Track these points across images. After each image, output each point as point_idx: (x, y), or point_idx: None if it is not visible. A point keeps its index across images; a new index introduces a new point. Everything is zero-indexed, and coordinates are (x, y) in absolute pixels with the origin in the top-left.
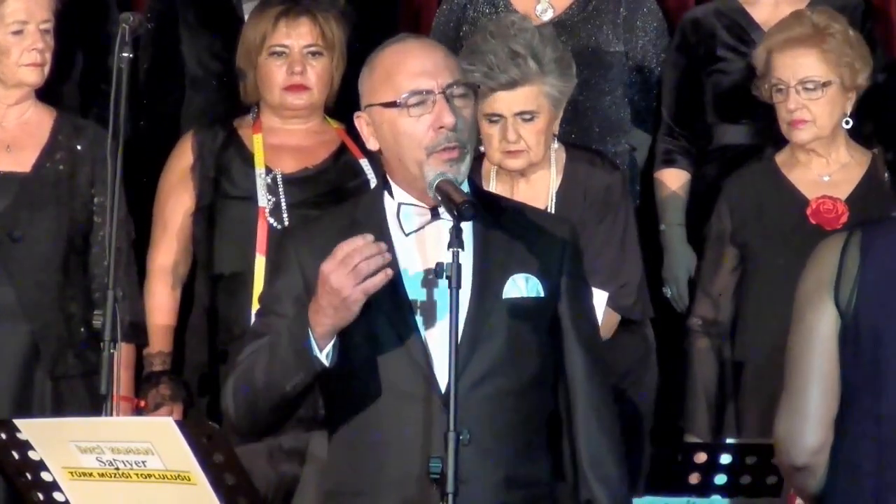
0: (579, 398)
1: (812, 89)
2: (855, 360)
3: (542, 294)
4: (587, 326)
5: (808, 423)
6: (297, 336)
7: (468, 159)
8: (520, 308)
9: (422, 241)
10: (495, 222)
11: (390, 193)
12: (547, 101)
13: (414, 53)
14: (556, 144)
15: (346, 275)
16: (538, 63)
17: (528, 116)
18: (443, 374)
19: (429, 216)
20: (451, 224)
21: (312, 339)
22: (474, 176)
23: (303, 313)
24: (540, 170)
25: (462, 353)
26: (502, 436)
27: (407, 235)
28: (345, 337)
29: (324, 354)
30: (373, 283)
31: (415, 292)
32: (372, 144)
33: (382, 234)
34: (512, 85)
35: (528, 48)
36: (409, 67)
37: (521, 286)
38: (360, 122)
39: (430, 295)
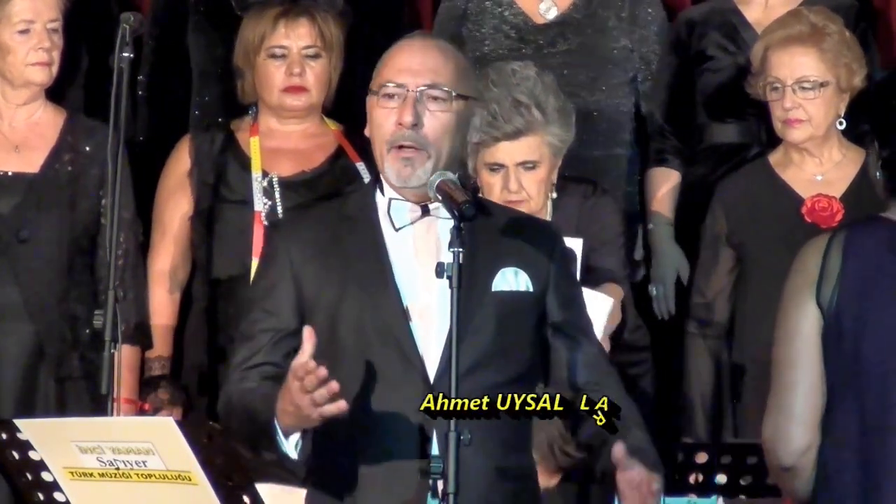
0: (581, 376)
1: (808, 88)
2: (837, 359)
3: (531, 288)
4: (579, 317)
5: (794, 423)
6: (267, 422)
7: (430, 164)
8: (509, 301)
9: (413, 237)
10: (485, 221)
11: (381, 189)
12: (548, 151)
13: (409, 50)
14: (554, 194)
15: (305, 396)
16: (542, 112)
17: (529, 165)
18: (432, 365)
19: (419, 212)
20: (442, 220)
21: (279, 429)
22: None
23: (272, 400)
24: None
25: (449, 346)
26: (492, 427)
27: (397, 231)
28: (336, 328)
29: (291, 444)
30: (328, 410)
31: (405, 287)
32: (366, 130)
33: (373, 229)
34: (516, 135)
35: (531, 97)
36: (397, 62)
37: (511, 280)
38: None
39: (420, 289)
